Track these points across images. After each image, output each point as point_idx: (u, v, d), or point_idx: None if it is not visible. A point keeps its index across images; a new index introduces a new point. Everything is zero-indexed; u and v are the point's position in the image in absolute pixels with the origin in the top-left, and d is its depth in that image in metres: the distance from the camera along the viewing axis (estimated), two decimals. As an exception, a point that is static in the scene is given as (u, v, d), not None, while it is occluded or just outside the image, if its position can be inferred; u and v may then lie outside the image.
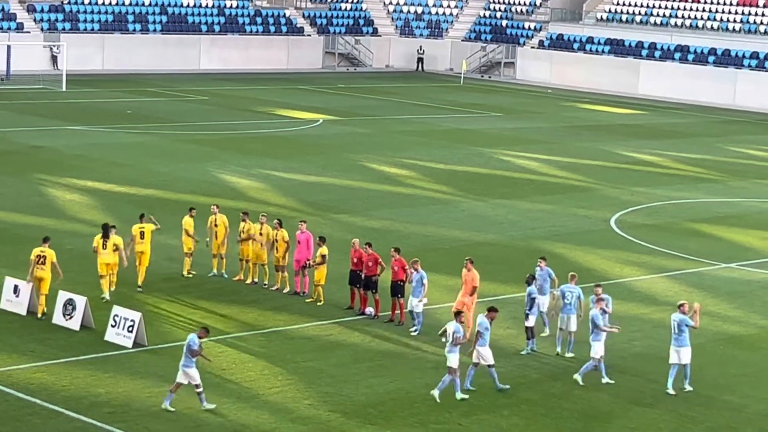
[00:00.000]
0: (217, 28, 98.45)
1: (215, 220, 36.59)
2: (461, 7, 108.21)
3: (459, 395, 27.68)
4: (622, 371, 29.91)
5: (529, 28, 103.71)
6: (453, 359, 27.58)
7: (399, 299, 33.07)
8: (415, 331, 32.34)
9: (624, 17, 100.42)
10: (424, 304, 32.58)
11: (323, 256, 34.14)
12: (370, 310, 33.42)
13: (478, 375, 28.17)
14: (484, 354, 28.12)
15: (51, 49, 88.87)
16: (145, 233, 35.27)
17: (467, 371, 28.15)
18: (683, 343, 28.69)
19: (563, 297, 30.76)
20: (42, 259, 32.23)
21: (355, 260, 33.68)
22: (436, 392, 27.50)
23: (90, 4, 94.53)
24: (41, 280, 32.20)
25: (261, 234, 35.66)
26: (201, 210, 37.86)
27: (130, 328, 29.98)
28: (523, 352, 31.08)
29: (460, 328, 27.82)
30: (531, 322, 31.19)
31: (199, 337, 26.66)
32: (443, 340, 28.28)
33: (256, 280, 35.91)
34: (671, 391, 28.57)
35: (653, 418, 27.13)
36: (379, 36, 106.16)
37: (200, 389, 26.39)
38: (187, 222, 36.40)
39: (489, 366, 28.20)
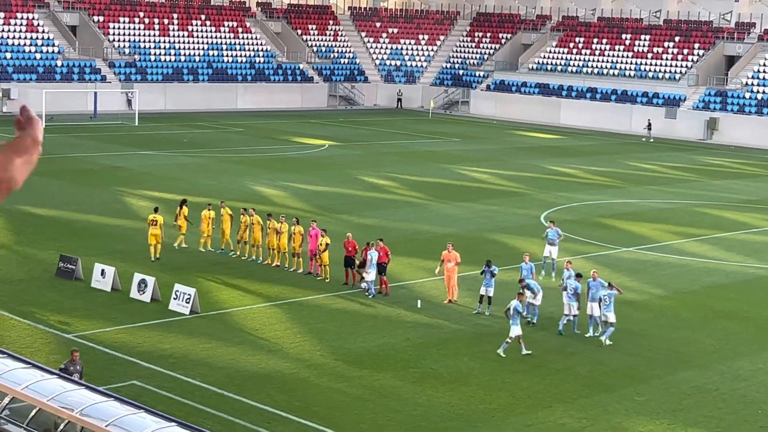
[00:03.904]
0: (249, 77, 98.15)
1: (248, 219, 36.67)
2: (429, 61, 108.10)
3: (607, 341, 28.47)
4: (552, 329, 29.97)
5: (479, 76, 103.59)
6: (611, 317, 28.37)
7: (383, 276, 32.95)
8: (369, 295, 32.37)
9: (549, 67, 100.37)
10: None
11: (327, 244, 34.15)
12: (363, 284, 33.22)
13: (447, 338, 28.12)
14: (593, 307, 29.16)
15: (126, 94, 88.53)
16: (223, 216, 37.06)
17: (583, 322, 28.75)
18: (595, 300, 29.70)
19: (589, 289, 29.87)
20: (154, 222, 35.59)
21: (350, 248, 33.62)
22: (605, 339, 28.33)
23: (155, 61, 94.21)
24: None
25: (280, 230, 35.61)
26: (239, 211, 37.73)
27: (188, 300, 30.00)
28: (474, 312, 31.15)
29: (612, 294, 28.58)
30: (484, 291, 31.17)
31: (519, 301, 27.44)
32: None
33: (278, 263, 35.87)
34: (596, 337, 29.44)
35: (573, 361, 27.24)
36: (369, 82, 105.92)
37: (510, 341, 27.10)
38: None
39: (574, 316, 29.30)
